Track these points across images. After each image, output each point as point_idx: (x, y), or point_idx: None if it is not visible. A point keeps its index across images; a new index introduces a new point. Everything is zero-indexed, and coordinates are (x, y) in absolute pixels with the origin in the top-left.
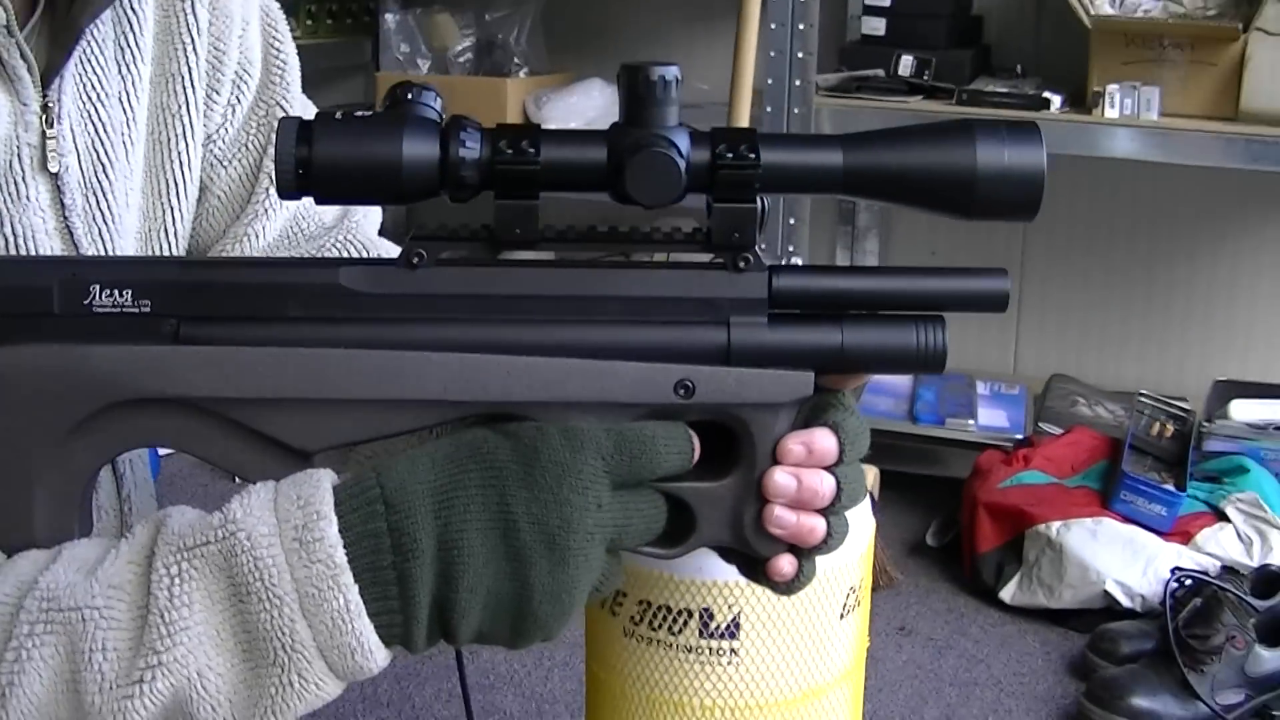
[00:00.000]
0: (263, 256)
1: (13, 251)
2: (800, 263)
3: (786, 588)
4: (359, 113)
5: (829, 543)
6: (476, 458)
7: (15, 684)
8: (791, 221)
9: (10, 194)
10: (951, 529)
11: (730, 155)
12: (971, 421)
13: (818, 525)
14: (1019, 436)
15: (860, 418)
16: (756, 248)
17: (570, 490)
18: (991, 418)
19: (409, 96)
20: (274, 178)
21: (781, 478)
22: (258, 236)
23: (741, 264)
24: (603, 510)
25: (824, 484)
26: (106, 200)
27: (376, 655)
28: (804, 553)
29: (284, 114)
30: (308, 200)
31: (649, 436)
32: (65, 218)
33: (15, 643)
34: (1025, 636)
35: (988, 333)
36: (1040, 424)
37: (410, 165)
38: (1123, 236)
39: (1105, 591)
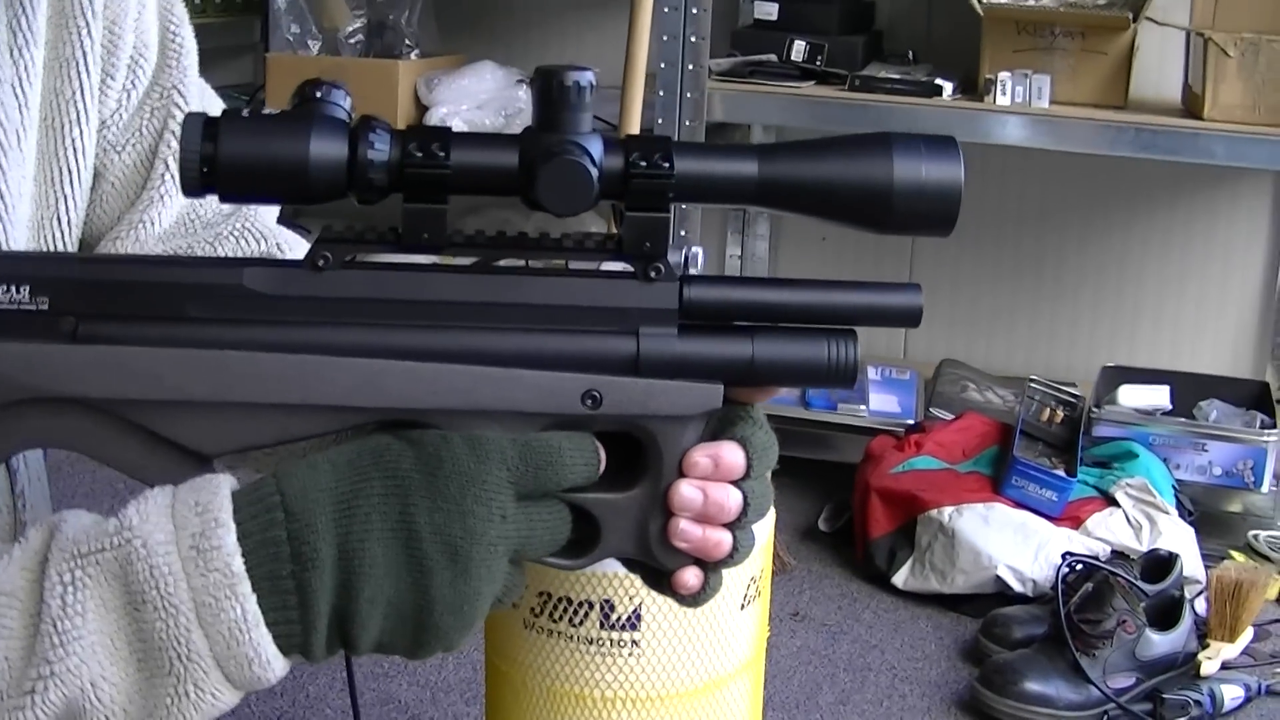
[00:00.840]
0: (165, 255)
1: None
2: (697, 250)
3: (691, 600)
4: (266, 110)
5: (735, 556)
6: (379, 465)
7: None
8: (684, 206)
9: None
10: (844, 514)
11: (644, 164)
12: (863, 407)
13: (724, 539)
14: (910, 422)
15: (769, 431)
16: (667, 257)
17: (474, 501)
18: (883, 403)
19: (318, 95)
20: (177, 172)
21: (687, 491)
22: (153, 223)
23: (653, 274)
24: (506, 521)
25: (730, 498)
26: None
27: (274, 665)
28: (709, 566)
29: (180, 98)
30: None
31: (554, 447)
32: None
33: None
34: (918, 621)
35: None
36: (931, 409)
37: (317, 166)
38: (1012, 223)
39: (997, 576)
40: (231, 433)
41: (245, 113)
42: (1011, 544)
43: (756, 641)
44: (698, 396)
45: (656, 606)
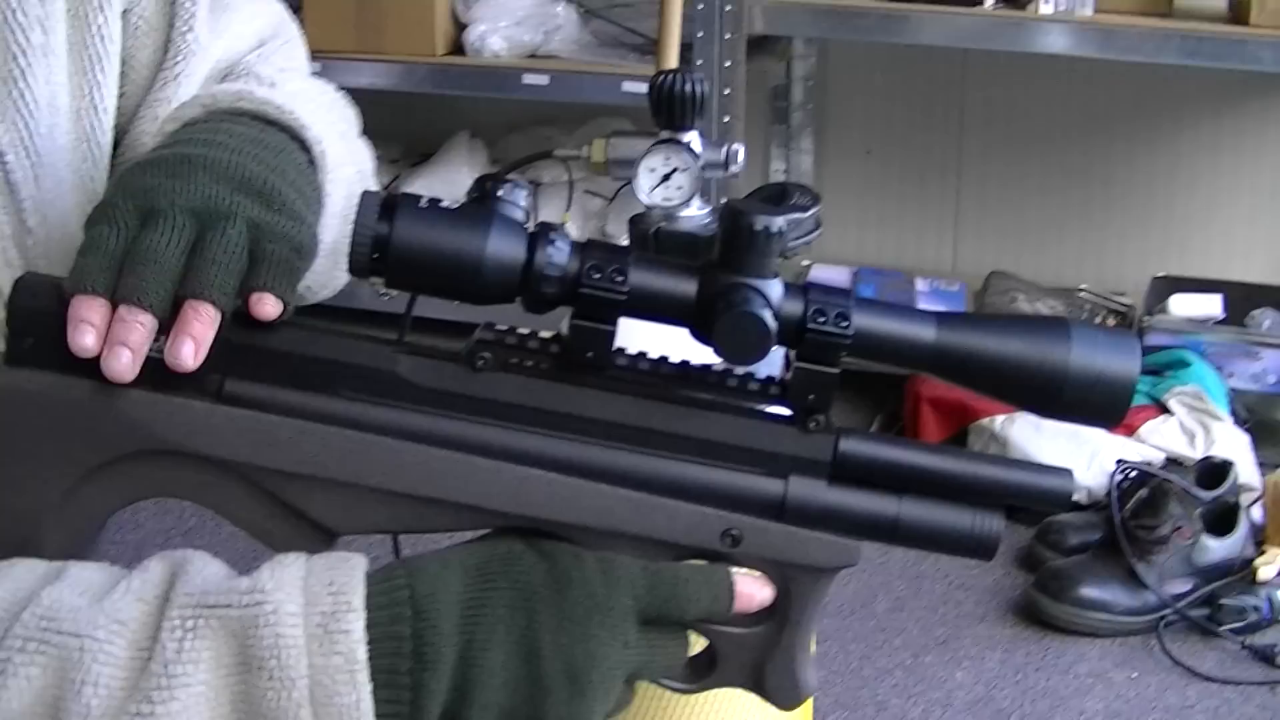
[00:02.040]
0: (321, 325)
1: None
2: (738, 148)
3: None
4: (444, 202)
5: None
6: (509, 574)
7: None
8: (726, 119)
9: None
10: (895, 424)
11: (821, 319)
12: None
13: None
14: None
15: None
16: (829, 411)
17: (599, 626)
18: None
19: (499, 193)
20: (348, 251)
21: None
22: (168, 103)
23: (812, 425)
24: (628, 649)
25: None
26: (18, 85)
27: None
28: None
29: None
30: (226, 45)
31: (683, 580)
32: None
33: (4, 654)
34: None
35: (926, 230)
36: None
37: (492, 269)
38: (1060, 133)
39: None
40: (363, 515)
41: (424, 202)
42: (1064, 451)
43: None
44: (836, 551)
45: None
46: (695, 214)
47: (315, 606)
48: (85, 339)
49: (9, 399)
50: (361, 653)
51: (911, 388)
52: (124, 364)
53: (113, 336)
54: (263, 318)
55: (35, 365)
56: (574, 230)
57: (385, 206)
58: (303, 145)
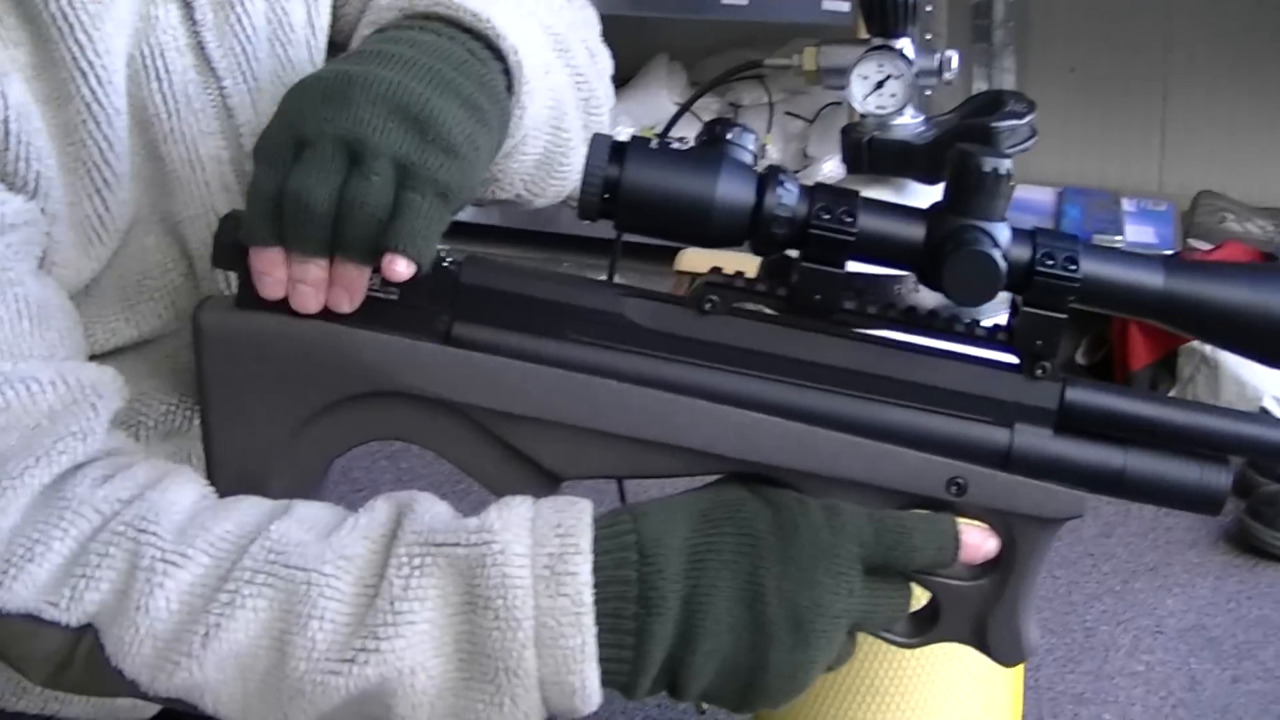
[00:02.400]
0: (545, 271)
1: (149, 72)
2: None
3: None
4: (674, 145)
5: None
6: (734, 520)
7: (221, 626)
8: (929, 37)
9: (144, 16)
10: (1103, 347)
11: (1050, 263)
12: (1119, 238)
13: None
14: (1168, 252)
15: None
16: (1056, 356)
17: (824, 573)
18: (1139, 234)
19: (728, 136)
20: (580, 192)
21: None
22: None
23: (1039, 372)
24: (852, 596)
25: None
26: (237, 9)
27: (593, 699)
28: None
29: None
30: None
31: (909, 529)
32: (196, 33)
33: (232, 585)
34: (1196, 400)
35: (1132, 149)
36: (1189, 240)
37: (722, 210)
38: (1269, 47)
39: (1263, 408)
40: (589, 459)
41: (653, 144)
42: (1277, 374)
43: None
44: (1063, 502)
45: None
46: (908, 122)
47: (542, 548)
48: (270, 290)
49: (237, 341)
50: (588, 595)
51: None
52: (305, 298)
53: (292, 276)
54: (394, 279)
55: (263, 307)
56: (774, 153)
57: (615, 150)
58: (498, 54)
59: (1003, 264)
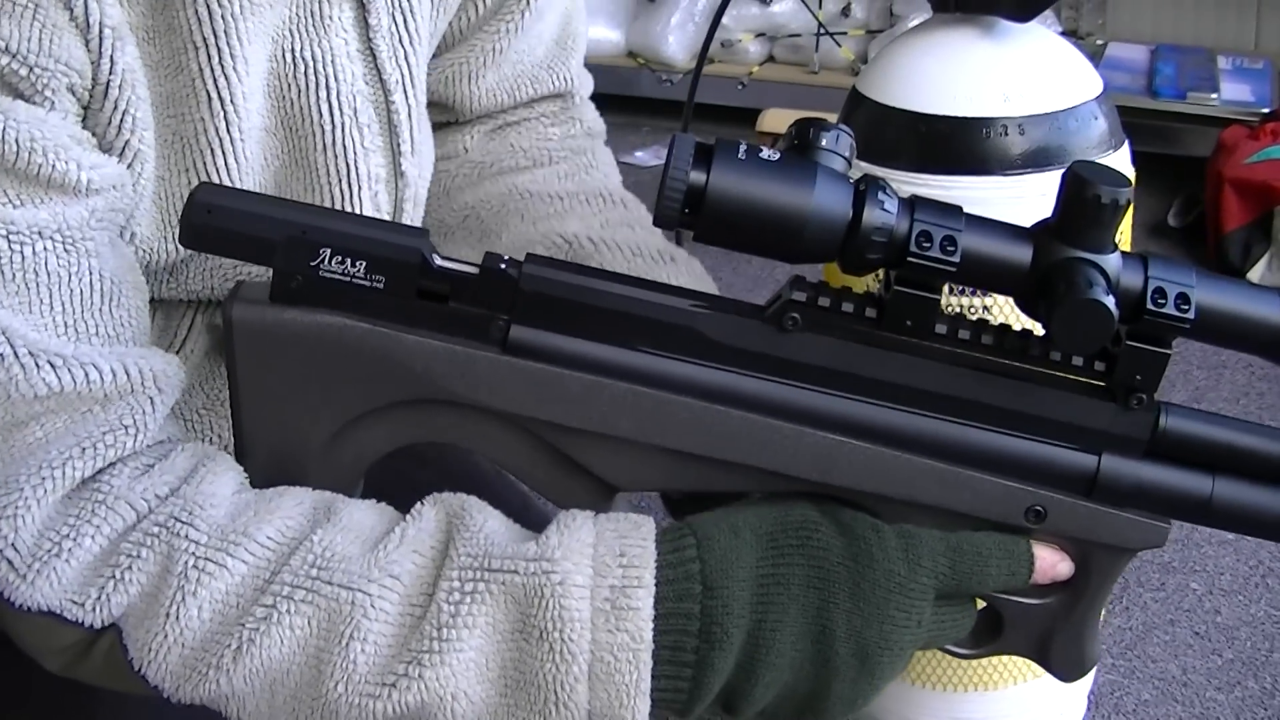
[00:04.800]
0: (614, 274)
1: (311, 77)
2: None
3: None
4: (763, 152)
5: None
6: (805, 549)
7: (255, 641)
8: None
9: (312, 13)
10: (1195, 208)
11: (1162, 302)
12: (1214, 95)
13: None
14: (1265, 110)
15: None
16: (1155, 392)
17: (896, 608)
18: (1235, 92)
19: (822, 142)
20: (657, 199)
21: None
22: (496, 50)
23: (1134, 404)
24: (920, 628)
25: None
26: (411, 19)
27: None
28: None
29: None
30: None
31: (985, 554)
32: (369, 39)
33: (269, 599)
34: None
35: (1227, 5)
36: None
37: (815, 227)
38: None
39: None
40: (650, 474)
41: (742, 152)
42: None
43: None
44: (1143, 532)
45: None
46: None
47: (604, 579)
48: None
49: (273, 337)
50: (648, 632)
51: (1213, 169)
52: None
53: None
54: None
55: (303, 304)
56: (859, 12)
57: (701, 153)
58: None
59: (1115, 312)
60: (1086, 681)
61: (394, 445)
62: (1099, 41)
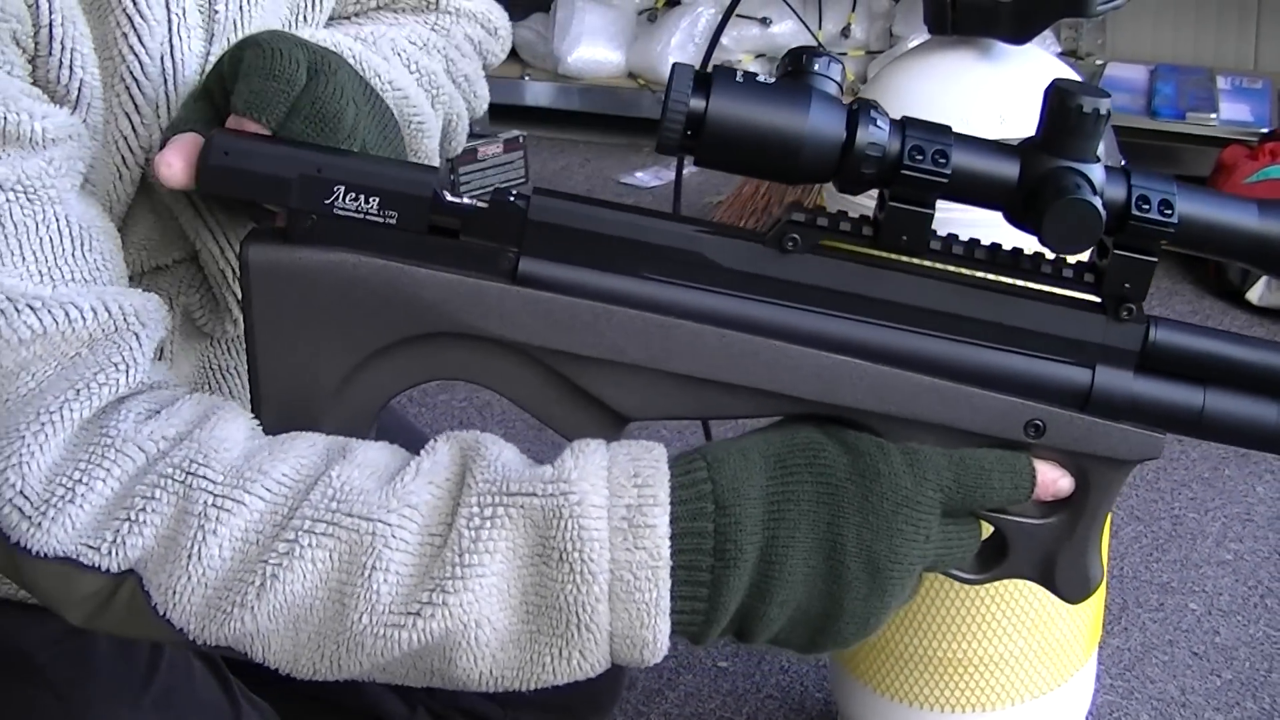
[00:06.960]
0: (620, 204)
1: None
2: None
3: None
4: (759, 77)
5: None
6: (813, 467)
7: (277, 577)
8: None
9: None
10: None
11: (1146, 207)
12: (1213, 115)
13: None
14: (1264, 130)
15: None
16: (1144, 300)
17: (904, 521)
18: (1234, 112)
19: (814, 67)
20: (659, 126)
21: None
22: None
23: (1124, 314)
24: (929, 542)
25: None
26: None
27: (661, 651)
28: None
29: None
30: None
31: (987, 469)
32: None
33: (290, 534)
34: (1275, 339)
35: (1227, 25)
36: None
37: (812, 147)
38: None
39: None
40: (659, 401)
41: (740, 76)
42: None
43: None
44: (1140, 444)
45: None
46: None
47: (620, 499)
48: None
49: (288, 277)
50: (665, 549)
51: (1212, 189)
52: None
53: None
54: None
55: (317, 243)
56: (859, 32)
57: (700, 81)
58: None
59: (1103, 212)
60: (1084, 702)
61: (409, 383)
62: (1098, 62)
